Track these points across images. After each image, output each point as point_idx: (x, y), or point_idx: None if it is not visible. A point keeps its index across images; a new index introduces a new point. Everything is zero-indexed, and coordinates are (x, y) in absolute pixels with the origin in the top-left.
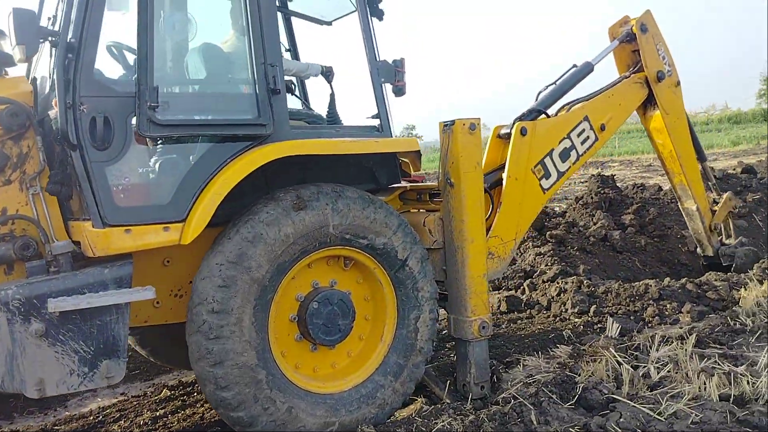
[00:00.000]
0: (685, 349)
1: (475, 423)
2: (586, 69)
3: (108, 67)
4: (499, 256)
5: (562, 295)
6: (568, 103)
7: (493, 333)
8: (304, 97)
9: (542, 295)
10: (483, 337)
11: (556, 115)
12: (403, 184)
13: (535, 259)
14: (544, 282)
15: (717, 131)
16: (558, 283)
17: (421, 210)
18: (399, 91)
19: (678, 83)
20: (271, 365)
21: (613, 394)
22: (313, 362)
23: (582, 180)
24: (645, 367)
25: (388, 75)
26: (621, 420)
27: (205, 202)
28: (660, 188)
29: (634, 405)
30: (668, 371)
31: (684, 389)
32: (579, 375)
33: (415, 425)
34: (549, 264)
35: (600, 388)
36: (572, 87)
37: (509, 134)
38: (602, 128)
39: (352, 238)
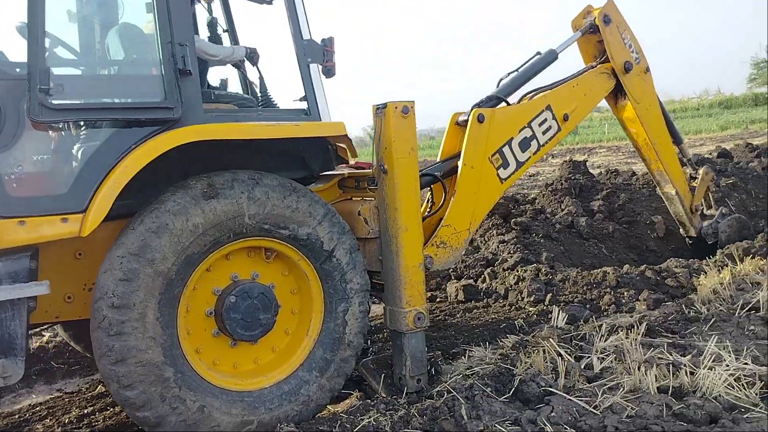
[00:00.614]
0: (634, 339)
1: (404, 419)
2: (550, 57)
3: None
4: (451, 246)
5: (520, 283)
6: (530, 92)
7: (428, 325)
8: (251, 80)
9: (501, 284)
10: (419, 328)
11: (518, 103)
12: (342, 171)
13: (498, 247)
14: (504, 270)
15: (708, 116)
16: (517, 271)
17: (359, 198)
18: (328, 72)
19: (647, 69)
20: (180, 362)
21: (550, 386)
22: (233, 358)
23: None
24: (588, 357)
25: (316, 55)
26: (552, 414)
27: (103, 192)
28: (633, 173)
29: (570, 398)
30: (611, 362)
31: (623, 381)
32: (518, 367)
33: (339, 422)
34: (511, 252)
35: (537, 380)
36: (535, 75)
37: (467, 121)
38: (565, 118)
39: (271, 229)
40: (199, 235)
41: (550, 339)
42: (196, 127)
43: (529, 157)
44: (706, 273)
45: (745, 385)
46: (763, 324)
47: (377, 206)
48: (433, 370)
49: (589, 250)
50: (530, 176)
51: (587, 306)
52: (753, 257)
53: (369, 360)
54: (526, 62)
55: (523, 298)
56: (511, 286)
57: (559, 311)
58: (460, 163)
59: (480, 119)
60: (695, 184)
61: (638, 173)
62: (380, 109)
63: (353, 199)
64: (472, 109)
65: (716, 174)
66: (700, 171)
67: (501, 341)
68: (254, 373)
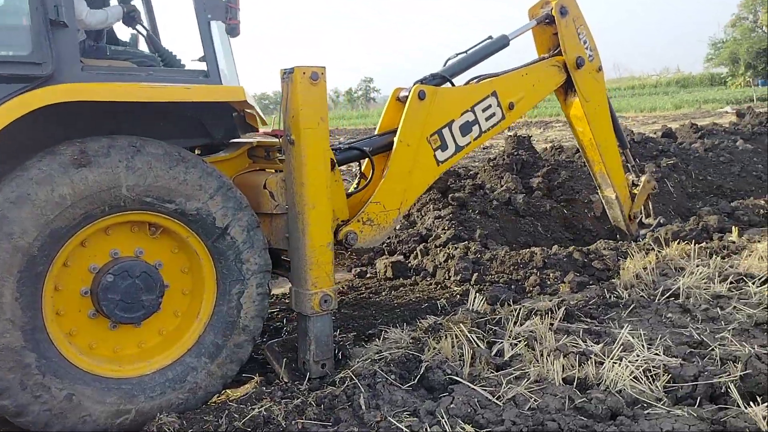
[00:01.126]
0: (550, 324)
1: (299, 408)
2: (501, 42)
3: None
4: (378, 224)
5: (449, 261)
6: (478, 76)
7: (335, 308)
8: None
9: (431, 261)
10: (324, 311)
11: (464, 85)
12: (250, 139)
13: (433, 223)
14: (436, 247)
15: (665, 94)
16: (448, 248)
17: (271, 170)
18: (232, 31)
19: (600, 69)
20: (44, 347)
21: (456, 374)
22: (113, 342)
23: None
24: (501, 343)
25: (217, 11)
26: (452, 406)
27: None
28: (578, 150)
29: (473, 387)
30: (522, 349)
31: (530, 370)
32: (426, 352)
33: (227, 412)
34: (445, 228)
35: (444, 367)
36: (483, 59)
37: (407, 97)
38: (511, 107)
39: (154, 202)
40: (67, 208)
41: (461, 324)
42: (69, 86)
43: (469, 142)
44: (632, 256)
45: (652, 377)
46: (680, 311)
47: (285, 179)
48: (341, 353)
49: (525, 228)
50: (484, 149)
51: (512, 287)
52: (681, 241)
53: (274, 342)
54: (476, 45)
55: (449, 277)
56: (440, 264)
57: (476, 294)
58: (395, 139)
59: (421, 96)
60: (636, 191)
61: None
62: (287, 74)
63: (263, 170)
64: (414, 85)
65: (654, 163)
66: (642, 178)
67: (419, 322)
68: (137, 358)
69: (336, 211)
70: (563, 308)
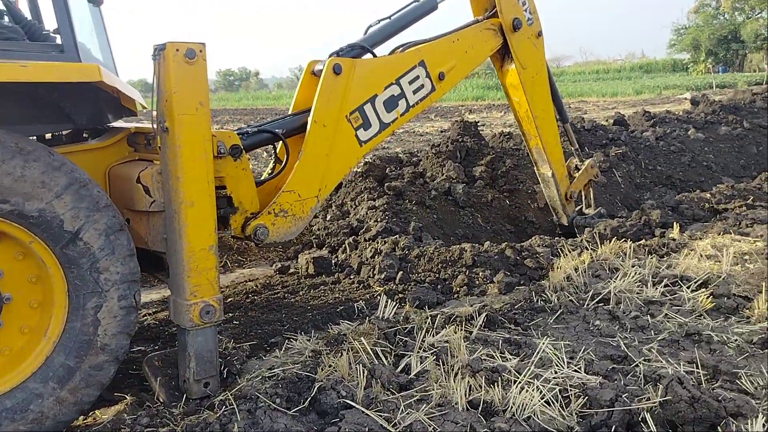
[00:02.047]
0: (468, 333)
1: None
2: (429, 5)
3: None
4: (294, 215)
5: (376, 257)
6: (403, 45)
7: (221, 320)
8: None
9: (358, 257)
10: (207, 323)
11: (387, 56)
12: (125, 125)
13: (366, 214)
14: (365, 241)
15: (627, 79)
16: (377, 242)
17: (152, 161)
18: (95, 1)
19: (540, 34)
20: None
21: (351, 397)
22: None
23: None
24: (409, 357)
25: None
26: None
27: None
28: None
29: (367, 413)
30: (431, 364)
31: (434, 392)
32: (320, 370)
33: None
34: (378, 220)
35: (339, 388)
36: (409, 24)
37: (322, 71)
38: (441, 77)
39: None
40: None
41: (365, 336)
42: None
43: (396, 118)
44: (566, 254)
45: (566, 401)
46: (609, 319)
47: (161, 172)
48: (227, 370)
49: (464, 220)
50: (443, 132)
51: (439, 287)
52: (621, 238)
53: (155, 355)
54: (401, 10)
55: (373, 276)
56: (365, 260)
57: (387, 300)
58: (309, 120)
59: (336, 70)
60: (576, 175)
61: None
62: (158, 51)
63: (144, 160)
64: (329, 58)
65: (603, 152)
66: (587, 162)
67: (330, 329)
68: None
69: (244, 202)
70: (485, 314)
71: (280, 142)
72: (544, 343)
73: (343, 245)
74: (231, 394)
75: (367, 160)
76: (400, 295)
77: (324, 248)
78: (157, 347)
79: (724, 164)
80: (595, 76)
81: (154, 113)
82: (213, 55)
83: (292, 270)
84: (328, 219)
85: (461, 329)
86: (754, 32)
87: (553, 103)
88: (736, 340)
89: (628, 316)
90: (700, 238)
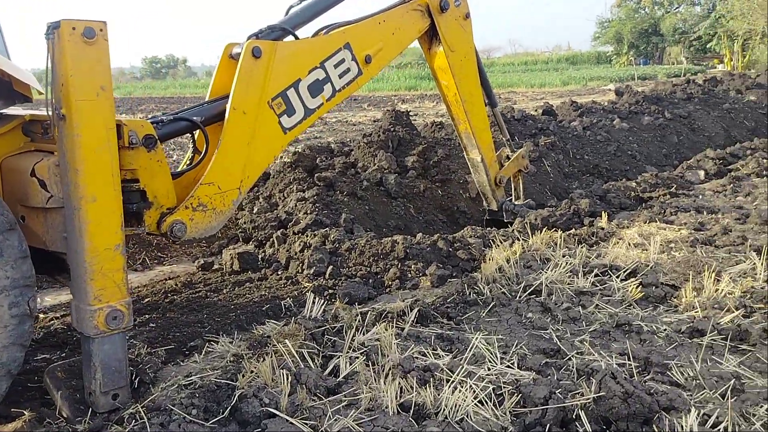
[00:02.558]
0: (399, 330)
1: None
2: None
3: None
4: (214, 209)
5: (305, 251)
6: (327, 26)
7: (131, 325)
8: None
9: (286, 251)
10: (113, 330)
11: (310, 38)
12: (20, 112)
13: (295, 206)
14: (294, 234)
15: (555, 70)
16: (307, 235)
17: (45, 151)
18: None
19: (467, 15)
20: None
21: (275, 404)
22: None
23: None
24: (338, 359)
25: None
26: None
27: None
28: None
29: (291, 421)
30: (360, 365)
31: (363, 395)
32: (242, 376)
33: None
34: (308, 211)
35: (262, 395)
36: (332, 5)
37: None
38: (368, 60)
39: None
40: None
41: (290, 338)
42: None
43: (322, 103)
44: (498, 245)
45: (499, 400)
46: (541, 311)
47: (59, 164)
48: (138, 379)
49: (396, 211)
50: (376, 121)
51: (371, 281)
52: (551, 227)
53: (58, 366)
54: None
55: (302, 271)
56: (294, 255)
57: (314, 297)
58: (228, 107)
59: (256, 53)
60: (506, 162)
61: None
62: (51, 30)
63: (40, 151)
64: (247, 40)
65: (532, 142)
66: (518, 152)
67: (255, 329)
68: None
69: (159, 197)
70: (417, 309)
71: (199, 130)
72: (476, 339)
73: (271, 239)
74: (142, 407)
75: (296, 149)
76: (330, 291)
77: (251, 243)
78: (64, 354)
79: (647, 153)
80: (523, 68)
81: (50, 99)
82: (137, 40)
83: (216, 266)
84: (255, 212)
85: (392, 326)
86: (672, 26)
87: (482, 88)
88: (665, 330)
89: (560, 308)
90: (628, 227)
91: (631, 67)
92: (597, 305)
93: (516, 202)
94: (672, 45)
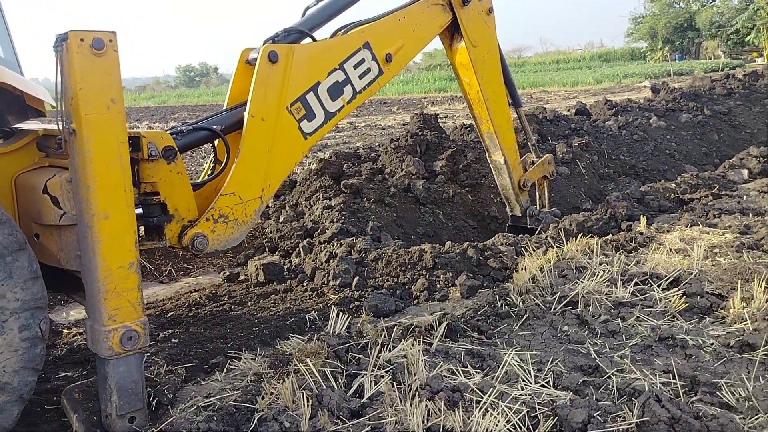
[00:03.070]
0: (428, 346)
1: None
2: None
3: None
4: (236, 220)
5: (330, 261)
6: (345, 26)
7: (147, 346)
8: None
9: (312, 261)
10: (128, 351)
11: (328, 39)
12: (34, 126)
13: (322, 214)
14: (320, 243)
15: (588, 68)
16: (333, 245)
17: (55, 166)
18: None
19: (490, 10)
20: None
21: (294, 430)
22: None
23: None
24: (362, 377)
25: None
26: None
27: None
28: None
29: None
30: (386, 385)
31: (389, 419)
32: (261, 398)
33: None
34: (335, 220)
35: (282, 419)
36: (350, 4)
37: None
38: (388, 59)
39: None
40: None
41: (311, 357)
42: None
43: (342, 106)
44: (531, 253)
45: (534, 423)
46: (578, 323)
47: (71, 180)
48: (156, 401)
49: (425, 217)
50: (405, 125)
51: (398, 292)
52: (587, 233)
53: (75, 387)
54: None
55: (327, 282)
56: (320, 265)
57: (337, 313)
58: (246, 114)
59: (272, 58)
60: (530, 167)
61: None
62: (59, 42)
63: (54, 167)
64: (263, 44)
65: (566, 143)
66: (543, 157)
67: (279, 345)
68: None
69: (180, 210)
70: (446, 323)
71: (219, 139)
72: (509, 355)
73: (297, 249)
74: (158, 430)
75: (322, 156)
76: (356, 303)
77: (277, 252)
78: (86, 372)
79: (686, 152)
80: (555, 66)
81: (60, 113)
82: (170, 49)
83: (242, 277)
84: (281, 221)
85: (419, 342)
86: (708, 20)
87: (505, 87)
88: (712, 344)
89: (597, 320)
90: (668, 231)
91: (666, 63)
92: (637, 317)
93: (541, 210)
94: (708, 39)
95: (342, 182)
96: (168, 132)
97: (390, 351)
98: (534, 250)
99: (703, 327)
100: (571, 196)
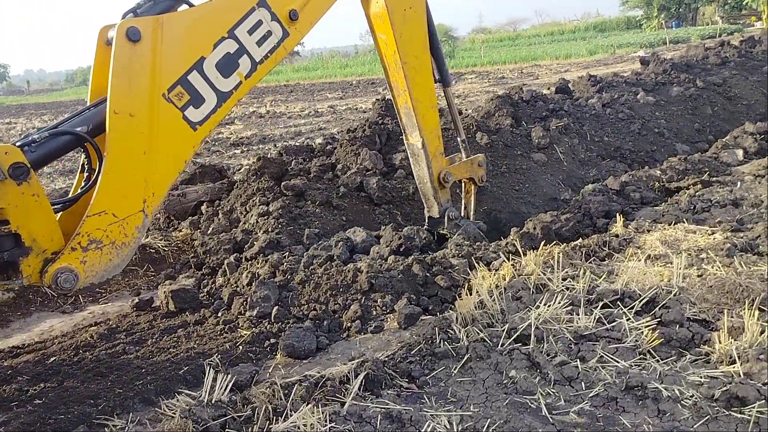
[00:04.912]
0: (340, 406)
1: None
2: None
3: None
4: (113, 243)
5: (253, 284)
6: None
7: None
8: None
9: (232, 284)
10: None
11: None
12: None
13: (257, 222)
14: (247, 260)
15: (582, 39)
16: (259, 262)
17: None
18: None
19: None
20: None
21: None
22: None
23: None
24: None
25: None
26: None
27: None
28: (460, 112)
29: None
30: None
31: None
32: None
33: None
34: (270, 229)
35: None
36: None
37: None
38: (293, 17)
39: None
40: None
41: None
42: None
43: (240, 82)
44: (488, 265)
45: None
46: (528, 366)
47: None
48: None
49: (380, 220)
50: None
51: (325, 323)
52: (553, 239)
53: None
54: None
55: (244, 312)
56: (241, 289)
57: (211, 372)
58: (108, 111)
59: (133, 37)
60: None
61: (469, 111)
62: None
63: None
64: (121, 20)
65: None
66: (475, 156)
67: (162, 404)
68: None
69: (39, 240)
70: (365, 372)
71: (87, 144)
72: (437, 421)
73: (223, 266)
74: None
75: (261, 153)
76: (273, 340)
77: (203, 270)
78: None
79: (677, 129)
80: (549, 38)
81: None
82: None
83: (156, 303)
84: (209, 232)
85: (324, 408)
86: None
87: (433, 60)
88: (692, 395)
89: (551, 363)
90: (649, 231)
91: (662, 31)
92: (601, 357)
93: (463, 217)
94: (705, 4)
95: (283, 183)
96: (16, 144)
97: (284, 420)
98: (485, 266)
99: (681, 370)
100: (548, 185)
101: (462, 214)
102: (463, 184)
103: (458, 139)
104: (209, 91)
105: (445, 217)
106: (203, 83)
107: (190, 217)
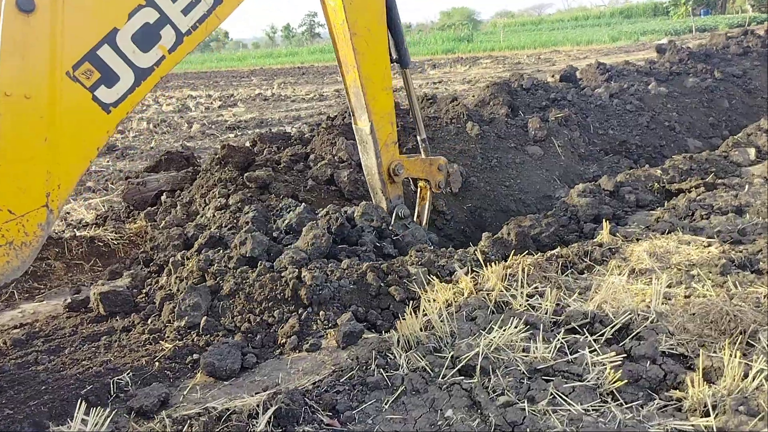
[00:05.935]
0: None
1: None
2: None
3: None
4: (10, 243)
5: (182, 289)
6: None
7: None
8: None
9: (166, 288)
10: None
11: None
12: None
13: (213, 216)
14: (188, 259)
15: (607, 25)
16: (191, 264)
17: None
18: None
19: None
20: None
21: None
22: None
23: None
24: None
25: None
26: None
27: None
28: (454, 98)
29: None
30: None
31: None
32: None
33: None
34: (225, 224)
35: None
36: None
37: None
38: None
39: None
40: None
41: None
42: None
43: (163, 57)
44: (450, 275)
45: None
46: (468, 405)
47: None
48: None
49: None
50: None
51: (258, 337)
52: (531, 247)
53: None
54: None
55: (172, 321)
56: (173, 293)
57: (89, 408)
58: None
59: (24, 6)
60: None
61: (461, 98)
62: None
63: None
64: None
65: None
66: (434, 157)
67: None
68: None
69: None
70: (277, 406)
71: None
72: None
73: (167, 266)
74: None
75: (230, 141)
76: (195, 356)
77: (150, 267)
78: None
79: (690, 123)
80: (574, 24)
81: None
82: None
83: (92, 303)
84: (162, 225)
85: None
86: None
87: (390, 34)
88: None
89: (495, 403)
90: (638, 240)
91: (689, 19)
92: (553, 397)
93: (413, 221)
94: None
95: (246, 174)
96: None
97: None
98: (442, 279)
99: (645, 419)
100: (542, 182)
101: (414, 217)
102: (418, 189)
103: (418, 138)
104: (124, 67)
105: (393, 215)
106: (116, 59)
107: (148, 208)
